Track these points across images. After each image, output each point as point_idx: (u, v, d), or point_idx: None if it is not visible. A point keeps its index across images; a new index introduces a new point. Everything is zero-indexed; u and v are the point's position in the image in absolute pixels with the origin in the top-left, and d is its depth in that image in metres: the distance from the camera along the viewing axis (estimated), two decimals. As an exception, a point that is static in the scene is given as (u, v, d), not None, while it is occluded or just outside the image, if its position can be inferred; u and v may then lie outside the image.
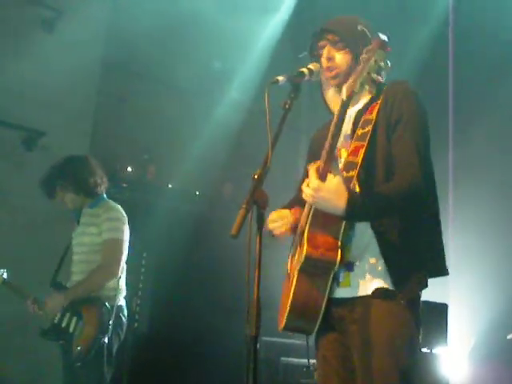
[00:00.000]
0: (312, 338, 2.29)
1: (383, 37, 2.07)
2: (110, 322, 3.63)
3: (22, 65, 5.40)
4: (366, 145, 2.11)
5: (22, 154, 5.62)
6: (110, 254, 3.79)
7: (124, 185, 6.18)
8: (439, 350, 5.32)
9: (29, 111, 5.61)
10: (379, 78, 2.13)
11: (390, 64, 2.06)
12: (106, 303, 3.70)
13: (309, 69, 2.24)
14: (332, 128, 2.08)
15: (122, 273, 3.84)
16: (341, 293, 2.16)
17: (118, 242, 3.82)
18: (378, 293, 2.11)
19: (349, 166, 2.11)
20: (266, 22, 7.29)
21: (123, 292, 3.88)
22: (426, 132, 2.21)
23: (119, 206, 3.97)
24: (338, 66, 2.30)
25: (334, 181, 2.00)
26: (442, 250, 2.22)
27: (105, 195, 4.05)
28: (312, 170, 2.04)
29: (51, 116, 5.72)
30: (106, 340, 3.61)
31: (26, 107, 5.58)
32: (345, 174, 2.09)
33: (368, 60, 2.05)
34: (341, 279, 2.13)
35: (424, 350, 5.19)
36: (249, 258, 1.83)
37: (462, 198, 6.44)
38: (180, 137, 6.57)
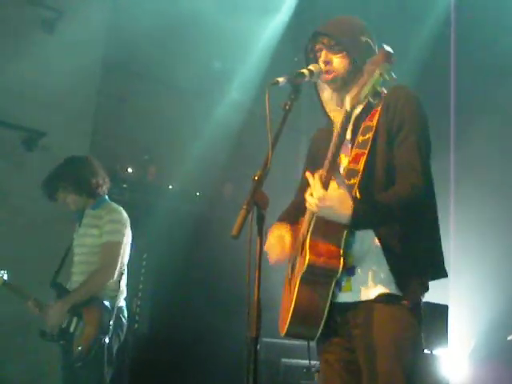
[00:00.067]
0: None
1: (388, 48, 2.03)
2: (111, 323, 3.63)
3: (22, 65, 5.39)
4: (367, 152, 2.12)
5: (22, 154, 5.62)
6: (107, 257, 3.79)
7: (124, 185, 6.18)
8: (440, 351, 5.30)
9: (29, 111, 5.60)
10: (384, 90, 2.12)
11: (394, 76, 2.01)
12: (107, 303, 3.70)
13: (309, 70, 2.23)
14: (335, 139, 2.07)
15: (119, 275, 3.82)
16: (343, 297, 2.17)
17: (117, 245, 3.81)
18: (381, 297, 2.12)
19: (350, 173, 2.12)
20: (266, 22, 7.27)
21: (124, 293, 3.88)
22: (428, 137, 2.21)
23: (121, 209, 3.96)
24: (336, 70, 2.28)
25: (338, 189, 2.00)
26: (442, 253, 2.23)
27: (107, 196, 4.05)
28: (316, 179, 2.03)
29: (51, 116, 5.71)
30: (107, 340, 3.61)
31: (26, 107, 5.57)
32: (346, 181, 2.09)
33: (372, 72, 2.01)
34: (343, 284, 2.15)
35: (424, 351, 5.18)
36: (249, 258, 1.83)
37: (462, 199, 6.44)
38: (180, 137, 6.56)
